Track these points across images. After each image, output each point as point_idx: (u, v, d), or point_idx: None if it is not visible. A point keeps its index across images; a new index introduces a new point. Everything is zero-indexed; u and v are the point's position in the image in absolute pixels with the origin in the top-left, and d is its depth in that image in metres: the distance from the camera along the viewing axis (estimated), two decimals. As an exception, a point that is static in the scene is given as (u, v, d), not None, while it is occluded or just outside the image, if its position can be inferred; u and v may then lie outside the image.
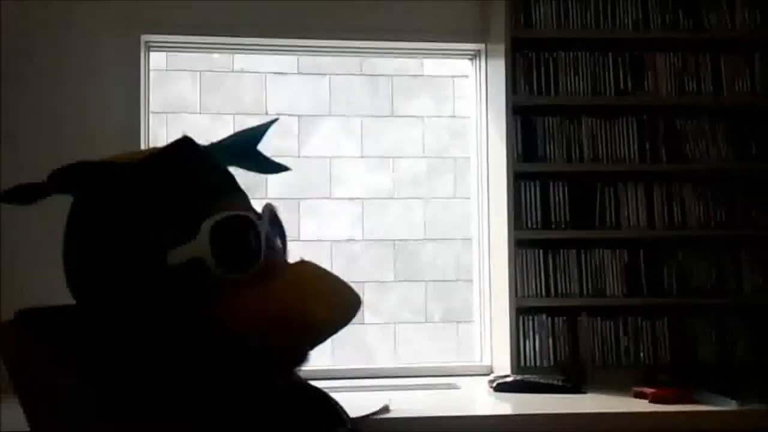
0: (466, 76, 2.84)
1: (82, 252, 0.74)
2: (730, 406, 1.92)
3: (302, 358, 0.76)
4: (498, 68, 2.48)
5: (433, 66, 3.49)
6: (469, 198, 2.77)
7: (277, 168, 0.89)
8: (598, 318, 2.40)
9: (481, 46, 2.65)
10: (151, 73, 2.63)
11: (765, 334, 2.42)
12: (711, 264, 2.45)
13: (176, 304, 0.71)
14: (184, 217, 0.71)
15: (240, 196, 0.80)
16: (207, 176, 0.76)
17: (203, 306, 0.71)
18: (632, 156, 2.46)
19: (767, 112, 2.51)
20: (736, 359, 2.39)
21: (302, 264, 0.78)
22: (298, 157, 3.50)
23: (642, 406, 1.95)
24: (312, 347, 0.75)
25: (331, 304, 0.74)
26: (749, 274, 2.45)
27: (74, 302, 0.77)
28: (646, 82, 2.49)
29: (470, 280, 2.75)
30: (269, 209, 0.79)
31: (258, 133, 0.83)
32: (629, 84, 2.49)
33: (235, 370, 0.74)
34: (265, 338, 0.71)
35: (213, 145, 0.83)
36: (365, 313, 2.94)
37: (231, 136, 0.83)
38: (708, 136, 2.49)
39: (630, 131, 2.47)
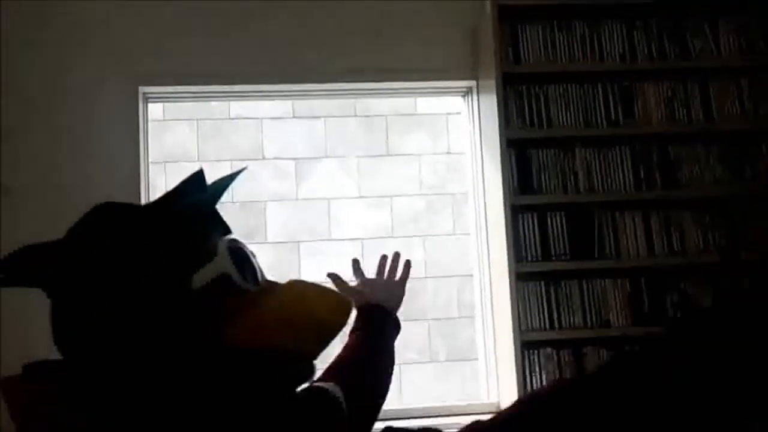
0: (459, 113, 2.87)
1: (95, 298, 0.75)
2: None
3: (312, 368, 0.82)
4: (490, 104, 2.50)
5: (426, 104, 3.53)
6: (468, 234, 2.77)
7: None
8: (604, 349, 2.38)
9: (472, 83, 2.69)
10: (150, 123, 2.66)
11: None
12: (713, 290, 2.44)
13: (197, 327, 0.74)
14: (200, 242, 0.78)
15: None
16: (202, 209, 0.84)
17: (218, 328, 0.75)
18: (628, 185, 2.47)
19: (758, 135, 2.53)
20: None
21: (294, 280, 0.86)
22: (296, 199, 3.51)
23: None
24: (323, 348, 0.81)
25: (331, 307, 0.82)
26: (752, 297, 2.44)
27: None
28: (636, 112, 2.52)
29: (473, 317, 2.73)
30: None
31: (221, 187, 0.85)
32: (620, 114, 2.52)
33: (246, 391, 0.76)
34: (281, 345, 0.77)
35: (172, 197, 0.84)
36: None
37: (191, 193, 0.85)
38: (702, 161, 2.51)
39: (624, 160, 2.49)
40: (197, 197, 0.82)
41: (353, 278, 1.28)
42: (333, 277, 1.26)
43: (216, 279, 0.76)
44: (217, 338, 0.75)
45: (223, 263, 0.76)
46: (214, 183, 0.84)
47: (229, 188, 0.86)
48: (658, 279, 2.43)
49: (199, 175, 0.82)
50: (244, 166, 0.90)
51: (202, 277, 0.75)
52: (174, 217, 0.79)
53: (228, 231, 0.84)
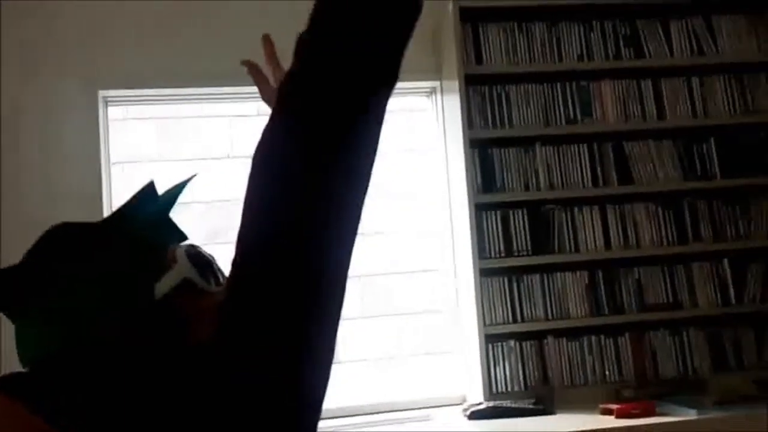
0: (424, 110, 2.92)
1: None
2: (690, 415, 2.06)
3: None
4: (453, 104, 2.56)
5: (390, 101, 3.58)
6: (433, 231, 2.83)
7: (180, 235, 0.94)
8: (564, 339, 2.47)
9: (436, 84, 2.74)
10: (111, 123, 2.64)
11: (722, 344, 2.53)
12: (666, 280, 2.55)
13: (163, 334, 0.77)
14: (156, 253, 0.80)
15: None
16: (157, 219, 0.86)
17: (185, 329, 0.78)
18: (585, 181, 2.56)
19: (708, 132, 2.64)
20: (695, 370, 2.49)
21: None
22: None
23: (609, 422, 2.07)
24: None
25: None
26: (703, 287, 2.56)
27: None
28: (593, 110, 2.61)
29: (439, 312, 2.79)
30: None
31: (173, 196, 0.87)
32: (578, 113, 2.60)
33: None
34: None
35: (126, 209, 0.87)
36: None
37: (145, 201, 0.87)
38: (655, 158, 2.61)
39: (582, 157, 2.58)
40: (150, 208, 0.84)
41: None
42: (248, 64, 1.04)
43: (179, 285, 0.78)
44: (184, 339, 0.77)
45: (184, 269, 0.79)
46: (166, 192, 0.85)
47: (187, 191, 0.89)
48: (614, 271, 2.53)
49: (150, 186, 0.84)
50: (193, 173, 0.92)
51: (165, 285, 0.78)
52: (129, 231, 0.80)
53: (184, 237, 0.87)
